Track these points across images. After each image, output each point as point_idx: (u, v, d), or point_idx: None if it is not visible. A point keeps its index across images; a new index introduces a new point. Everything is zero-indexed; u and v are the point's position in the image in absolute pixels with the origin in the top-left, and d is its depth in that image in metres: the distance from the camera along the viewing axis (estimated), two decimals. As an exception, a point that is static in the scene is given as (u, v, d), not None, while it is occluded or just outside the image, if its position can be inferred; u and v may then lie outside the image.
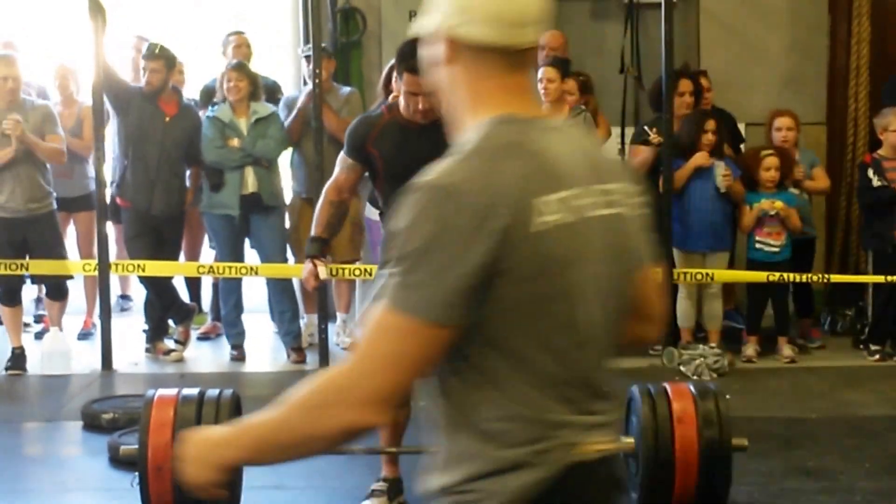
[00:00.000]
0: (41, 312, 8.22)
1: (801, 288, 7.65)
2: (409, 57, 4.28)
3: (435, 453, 2.10)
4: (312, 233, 4.72)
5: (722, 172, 7.23)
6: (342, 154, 4.70)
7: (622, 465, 2.51)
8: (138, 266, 7.26)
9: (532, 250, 1.90)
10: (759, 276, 7.27)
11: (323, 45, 7.47)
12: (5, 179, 7.07)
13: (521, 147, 1.96)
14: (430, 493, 2.06)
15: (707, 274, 7.27)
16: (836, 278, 7.83)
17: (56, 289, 7.40)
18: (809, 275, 7.47)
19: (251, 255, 7.66)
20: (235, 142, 7.23)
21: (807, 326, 7.83)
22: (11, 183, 7.08)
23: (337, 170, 4.72)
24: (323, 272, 4.66)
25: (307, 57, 7.39)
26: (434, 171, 1.95)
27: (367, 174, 4.71)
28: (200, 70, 7.84)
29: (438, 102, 2.14)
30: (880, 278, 7.35)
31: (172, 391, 4.59)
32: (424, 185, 1.93)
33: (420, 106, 4.39)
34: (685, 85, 7.58)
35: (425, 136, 4.50)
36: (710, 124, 7.30)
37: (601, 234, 2.01)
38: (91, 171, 7.60)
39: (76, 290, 8.03)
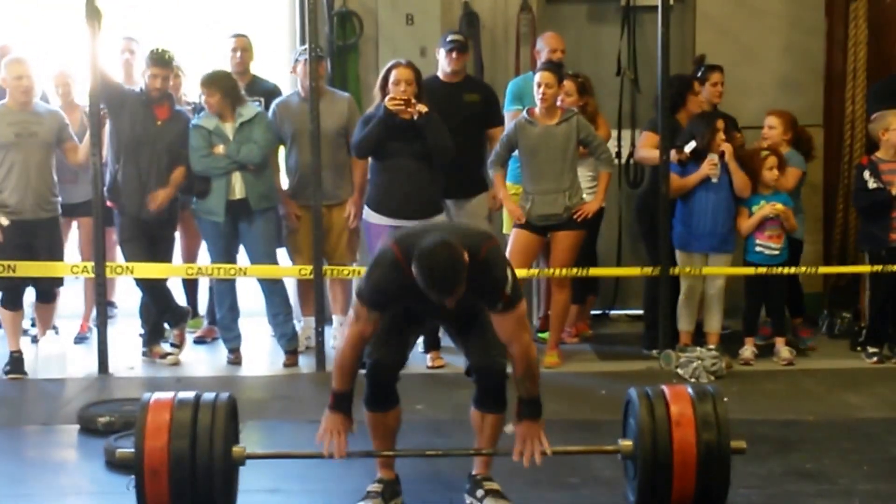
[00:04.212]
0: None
1: (791, 288, 7.67)
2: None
3: None
4: (337, 388, 4.56)
5: (711, 162, 7.25)
6: (362, 306, 4.46)
7: None
8: (128, 268, 7.27)
9: None
10: (748, 270, 7.32)
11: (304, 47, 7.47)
12: (16, 184, 7.12)
13: None
14: None
15: (694, 270, 7.29)
16: (824, 270, 7.95)
17: (46, 292, 7.39)
18: (800, 268, 7.54)
19: (246, 258, 7.63)
20: (220, 149, 7.20)
21: (797, 326, 7.83)
22: (22, 187, 7.13)
23: (361, 322, 4.48)
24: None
25: (303, 60, 7.38)
26: None
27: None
28: (198, 72, 7.79)
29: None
30: (866, 268, 7.47)
31: (168, 395, 4.57)
32: None
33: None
34: (717, 76, 7.75)
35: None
36: (721, 123, 7.32)
37: None
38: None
39: (73, 295, 8.05)
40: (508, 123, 7.39)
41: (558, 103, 7.23)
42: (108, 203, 7.36)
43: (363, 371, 4.71)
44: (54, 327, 7.60)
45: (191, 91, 8.06)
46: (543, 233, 7.26)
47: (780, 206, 7.31)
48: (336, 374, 4.57)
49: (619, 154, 8.41)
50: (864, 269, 7.53)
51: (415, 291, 4.32)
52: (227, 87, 7.23)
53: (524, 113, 7.24)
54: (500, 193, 7.33)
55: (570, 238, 7.23)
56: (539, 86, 7.10)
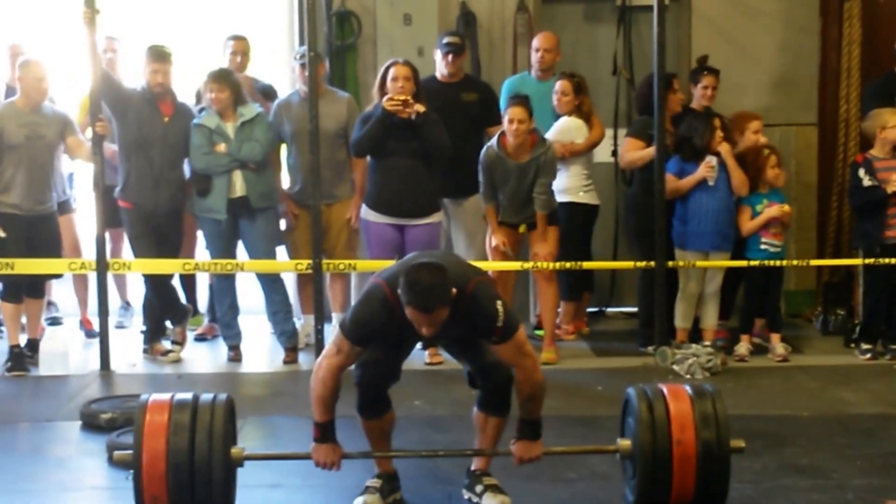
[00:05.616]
0: (53, 314, 8.33)
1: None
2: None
3: None
4: (322, 419, 4.59)
5: (708, 165, 7.31)
6: (344, 339, 4.48)
7: None
8: (125, 264, 7.34)
9: None
10: (741, 263, 7.40)
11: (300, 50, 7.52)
12: (21, 183, 7.17)
13: None
14: None
15: (688, 262, 7.36)
16: (816, 262, 8.04)
17: (36, 287, 7.42)
18: (792, 261, 7.68)
19: (245, 256, 7.67)
20: (222, 147, 7.25)
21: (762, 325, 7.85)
22: (26, 187, 7.18)
23: (342, 356, 4.50)
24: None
25: (302, 65, 7.42)
26: None
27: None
28: (197, 72, 7.83)
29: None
30: (858, 260, 7.53)
31: (166, 396, 4.57)
32: None
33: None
34: (709, 80, 7.70)
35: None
36: (718, 122, 7.39)
37: None
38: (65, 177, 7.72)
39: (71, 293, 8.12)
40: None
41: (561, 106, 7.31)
42: (122, 203, 7.40)
43: (352, 368, 4.72)
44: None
45: (183, 91, 8.07)
46: (516, 226, 7.28)
47: (786, 207, 7.42)
48: (316, 406, 4.58)
49: (615, 153, 8.45)
50: (857, 261, 7.60)
51: (401, 329, 4.41)
52: (235, 85, 7.32)
53: (494, 143, 7.08)
54: (491, 227, 7.28)
55: (546, 235, 7.25)
56: (511, 122, 6.95)
